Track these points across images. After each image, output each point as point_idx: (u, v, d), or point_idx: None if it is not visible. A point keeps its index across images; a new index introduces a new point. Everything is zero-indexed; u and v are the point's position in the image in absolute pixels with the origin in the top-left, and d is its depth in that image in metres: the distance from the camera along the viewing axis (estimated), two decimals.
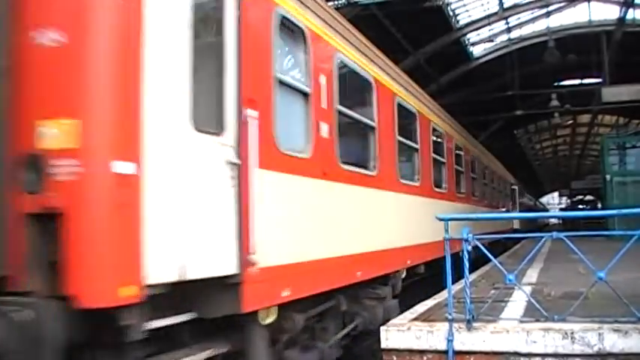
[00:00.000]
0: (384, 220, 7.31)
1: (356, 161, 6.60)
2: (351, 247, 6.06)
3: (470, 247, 4.97)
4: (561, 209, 61.03)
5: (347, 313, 6.37)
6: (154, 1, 3.44)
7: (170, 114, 3.53)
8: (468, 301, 4.89)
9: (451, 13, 21.68)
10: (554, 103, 24.85)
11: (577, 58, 22.14)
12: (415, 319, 5.56)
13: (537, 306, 4.97)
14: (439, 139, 10.94)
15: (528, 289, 6.84)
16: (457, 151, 12.74)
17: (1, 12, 3.24)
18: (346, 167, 6.09)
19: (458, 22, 22.52)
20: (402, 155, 8.23)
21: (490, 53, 25.55)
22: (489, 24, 23.04)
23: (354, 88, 6.70)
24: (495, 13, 22.67)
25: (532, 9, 22.89)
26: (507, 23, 23.96)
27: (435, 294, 7.18)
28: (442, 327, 4.89)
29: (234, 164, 4.07)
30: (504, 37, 24.93)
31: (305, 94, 5.38)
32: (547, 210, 65.54)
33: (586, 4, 22.36)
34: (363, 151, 7.04)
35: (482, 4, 22.15)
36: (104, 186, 3.09)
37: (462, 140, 13.85)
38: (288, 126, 5.02)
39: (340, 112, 6.05)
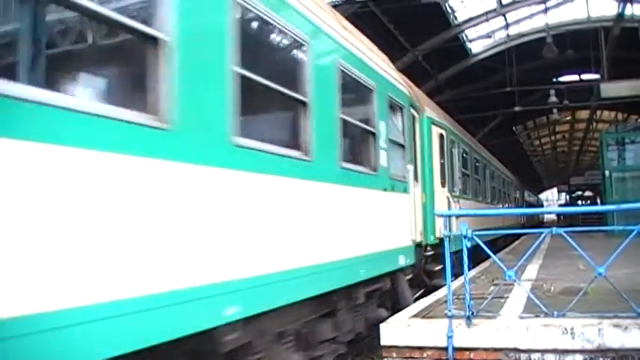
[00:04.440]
0: None
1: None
2: None
3: (469, 244, 4.97)
4: (560, 205, 61.04)
5: None
6: None
7: None
8: (468, 297, 4.89)
9: (449, 10, 21.65)
10: (553, 99, 24.84)
11: (575, 54, 22.12)
12: (415, 315, 5.57)
13: (537, 302, 4.97)
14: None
15: (528, 285, 6.84)
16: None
17: None
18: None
19: (456, 18, 22.49)
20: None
21: (488, 50, 25.52)
22: (487, 20, 23.02)
23: None
24: (493, 10, 22.65)
25: (530, 5, 22.87)
26: (505, 19, 23.94)
27: None
28: (442, 323, 4.89)
29: None
30: (502, 34, 24.90)
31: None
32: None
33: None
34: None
35: (480, 1, 22.14)
36: None
37: None
38: None
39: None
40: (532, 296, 5.16)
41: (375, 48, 7.85)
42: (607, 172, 20.81)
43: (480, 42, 25.35)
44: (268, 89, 4.55)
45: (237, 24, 4.06)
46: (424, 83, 22.10)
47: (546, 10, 22.74)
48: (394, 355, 4.99)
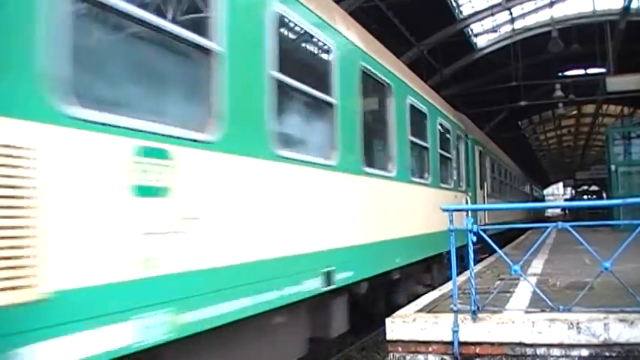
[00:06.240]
0: None
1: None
2: None
3: (475, 238, 4.96)
4: (566, 200, 60.83)
5: None
6: None
7: None
8: (473, 292, 4.89)
9: (454, 4, 21.59)
10: (559, 93, 24.76)
11: (581, 48, 22.03)
12: (420, 310, 5.57)
13: (543, 296, 4.96)
14: None
15: (533, 279, 6.84)
16: None
17: None
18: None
19: (461, 12, 22.42)
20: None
21: (494, 44, 25.46)
22: (493, 14, 22.94)
23: None
24: (499, 4, 22.57)
25: None
26: (511, 13, 23.85)
27: None
28: (447, 318, 4.89)
29: None
30: (508, 28, 24.83)
31: None
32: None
33: None
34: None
35: None
36: None
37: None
38: None
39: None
40: (538, 291, 5.16)
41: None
42: (613, 167, 20.75)
43: (485, 36, 25.30)
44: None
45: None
46: (429, 78, 22.06)
47: (552, 3, 22.66)
48: (399, 349, 5.00)
